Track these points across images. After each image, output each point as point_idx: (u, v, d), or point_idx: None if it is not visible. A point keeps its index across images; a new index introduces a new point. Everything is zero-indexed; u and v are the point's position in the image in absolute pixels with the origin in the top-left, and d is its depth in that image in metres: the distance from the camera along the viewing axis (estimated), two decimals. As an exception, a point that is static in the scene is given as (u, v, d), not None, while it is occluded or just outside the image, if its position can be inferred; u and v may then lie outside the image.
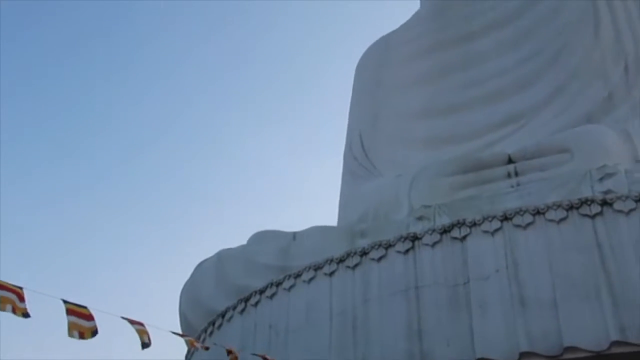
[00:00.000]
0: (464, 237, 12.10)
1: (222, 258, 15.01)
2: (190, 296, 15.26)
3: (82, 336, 8.79)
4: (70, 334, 8.72)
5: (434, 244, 12.26)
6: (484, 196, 13.23)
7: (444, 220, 12.64)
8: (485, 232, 11.97)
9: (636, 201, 11.46)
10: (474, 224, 12.14)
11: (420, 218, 13.19)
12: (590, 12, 17.60)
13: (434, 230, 12.40)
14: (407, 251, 12.42)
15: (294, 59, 48.68)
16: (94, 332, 8.87)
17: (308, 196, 46.88)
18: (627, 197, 11.53)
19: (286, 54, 48.91)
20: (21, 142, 41.44)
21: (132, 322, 9.37)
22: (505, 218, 11.96)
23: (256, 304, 13.79)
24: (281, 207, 44.26)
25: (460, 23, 19.20)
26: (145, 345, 9.27)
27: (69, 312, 8.79)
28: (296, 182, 46.41)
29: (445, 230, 12.31)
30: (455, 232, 12.20)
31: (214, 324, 14.49)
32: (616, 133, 14.16)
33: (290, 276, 13.45)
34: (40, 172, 42.14)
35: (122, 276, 41.12)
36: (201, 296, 14.90)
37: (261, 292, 13.78)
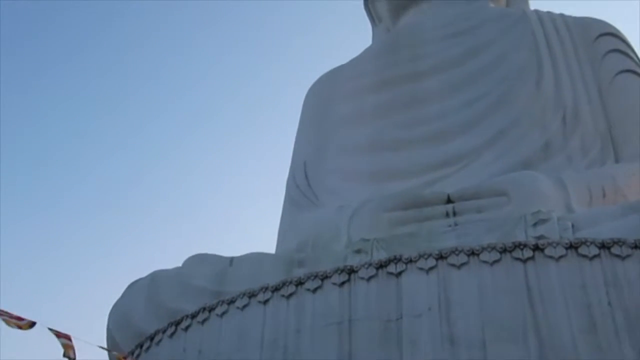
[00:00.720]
0: (400, 273, 12.21)
1: (156, 279, 14.72)
2: (119, 316, 14.88)
3: (20, 327, 8.71)
4: (9, 324, 8.61)
5: (369, 278, 12.32)
6: (422, 233, 13.43)
7: (382, 255, 12.74)
8: (421, 269, 12.10)
9: (566, 248, 11.80)
10: (410, 261, 12.26)
11: (358, 251, 13.28)
12: (534, 63, 18.22)
13: (370, 264, 12.48)
14: (342, 284, 12.45)
15: (242, 88, 48.84)
16: (32, 325, 8.77)
17: (250, 221, 46.75)
18: (557, 244, 11.88)
19: (237, 82, 49.05)
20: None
21: (58, 334, 9.17)
22: (441, 257, 12.13)
23: (187, 328, 13.54)
24: (222, 231, 44.02)
25: (408, 63, 19.54)
26: (68, 359, 9.09)
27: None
28: (239, 206, 46.24)
29: (381, 265, 12.40)
30: (392, 268, 12.30)
31: (142, 346, 14.15)
32: (551, 181, 14.62)
33: (223, 302, 13.28)
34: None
35: (48, 286, 40.24)
36: (131, 317, 14.54)
37: (193, 316, 13.54)
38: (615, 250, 11.60)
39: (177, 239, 42.94)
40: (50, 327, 8.95)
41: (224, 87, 48.61)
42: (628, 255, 11.49)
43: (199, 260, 15.00)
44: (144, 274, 15.27)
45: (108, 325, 15.20)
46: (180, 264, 15.28)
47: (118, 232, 42.66)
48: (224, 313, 13.18)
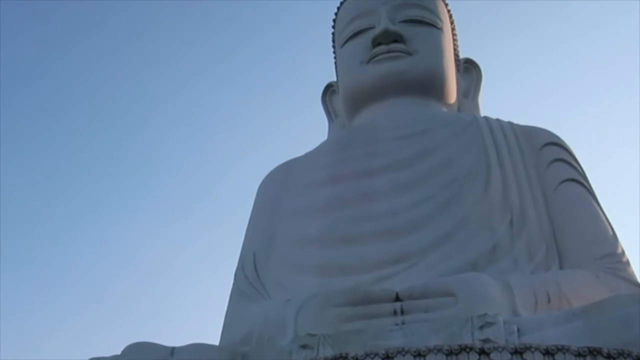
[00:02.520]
0: (346, 371, 12.00)
1: (91, 367, 14.14)
2: (50, 406, 14.16)
3: None
4: None
5: (314, 375, 12.09)
6: (369, 331, 13.30)
7: (328, 352, 12.54)
8: (367, 368, 11.93)
9: (512, 353, 11.80)
10: (356, 359, 12.08)
11: (304, 346, 13.03)
12: (483, 166, 18.70)
13: (315, 361, 12.26)
14: (287, 380, 12.17)
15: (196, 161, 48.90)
16: None
17: (193, 311, 45.72)
18: (503, 349, 11.89)
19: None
20: None
21: None
22: (387, 356, 12.00)
23: (121, 420, 12.96)
24: (165, 318, 42.90)
25: (361, 160, 19.79)
26: None
27: None
28: (184, 295, 45.29)
29: (327, 362, 12.19)
30: (337, 365, 12.09)
31: None
32: (498, 284, 14.77)
33: (161, 394, 12.81)
34: None
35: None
36: (62, 407, 13.85)
37: (127, 408, 12.99)
38: (559, 357, 11.65)
39: (117, 327, 41.69)
40: None
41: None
42: (571, 363, 11.56)
43: (138, 349, 14.45)
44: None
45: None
46: (114, 352, 14.72)
47: (55, 320, 41.26)
48: (161, 406, 12.67)
